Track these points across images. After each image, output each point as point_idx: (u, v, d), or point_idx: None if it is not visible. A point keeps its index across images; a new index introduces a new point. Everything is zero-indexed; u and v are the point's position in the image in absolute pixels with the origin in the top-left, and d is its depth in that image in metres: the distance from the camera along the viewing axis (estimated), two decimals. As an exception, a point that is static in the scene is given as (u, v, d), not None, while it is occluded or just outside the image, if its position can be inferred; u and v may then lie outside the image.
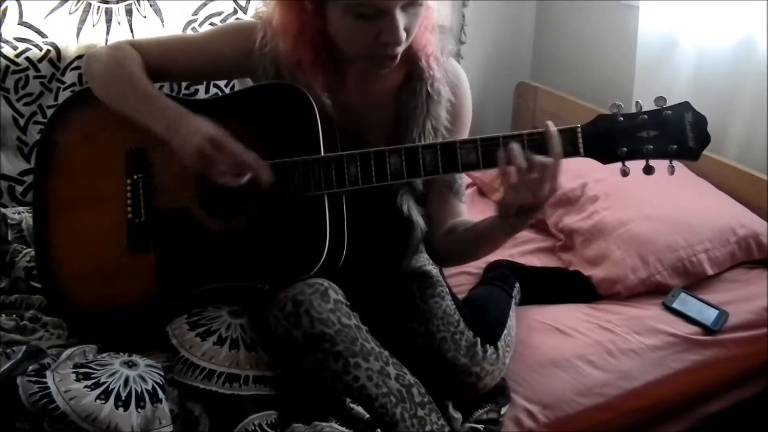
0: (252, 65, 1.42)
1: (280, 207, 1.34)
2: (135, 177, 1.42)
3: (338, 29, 1.30)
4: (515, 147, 1.22)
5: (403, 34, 1.26)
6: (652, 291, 1.83)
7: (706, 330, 1.72)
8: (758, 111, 2.10)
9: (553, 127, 1.24)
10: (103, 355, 1.33)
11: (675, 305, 1.77)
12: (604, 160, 1.27)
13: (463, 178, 1.52)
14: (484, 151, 1.27)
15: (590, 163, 1.27)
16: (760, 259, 1.94)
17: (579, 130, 1.25)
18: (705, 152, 2.01)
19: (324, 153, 1.33)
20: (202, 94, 2.13)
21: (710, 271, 1.88)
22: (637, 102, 1.26)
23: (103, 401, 1.19)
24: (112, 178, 1.43)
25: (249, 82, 1.49)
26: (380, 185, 1.31)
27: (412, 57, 1.41)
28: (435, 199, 1.51)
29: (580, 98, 2.51)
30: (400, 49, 1.30)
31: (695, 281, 1.86)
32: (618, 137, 1.25)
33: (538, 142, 1.24)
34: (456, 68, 1.48)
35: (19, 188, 2.03)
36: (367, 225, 1.44)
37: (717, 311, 1.75)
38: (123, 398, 1.20)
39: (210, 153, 1.28)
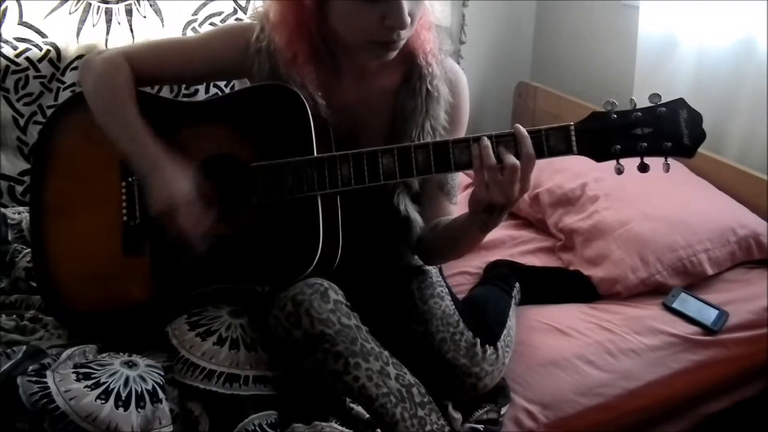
0: (247, 66, 1.42)
1: (273, 208, 1.34)
2: (130, 179, 1.42)
3: (342, 15, 1.30)
4: (486, 144, 1.23)
5: (408, 18, 1.26)
6: (652, 291, 1.83)
7: (706, 330, 1.71)
8: (758, 111, 2.10)
9: (522, 129, 1.24)
10: (103, 355, 1.33)
11: (675, 305, 1.77)
12: (598, 158, 1.26)
13: (456, 180, 1.52)
14: None
15: (590, 163, 1.27)
16: (760, 259, 1.94)
17: (572, 127, 1.25)
18: (705, 152, 2.04)
19: (317, 154, 1.33)
20: (202, 94, 2.13)
21: (710, 271, 1.87)
22: (631, 99, 1.25)
23: (103, 401, 1.19)
24: (108, 180, 1.43)
25: (248, 83, 1.49)
26: (374, 185, 1.31)
27: (410, 55, 1.41)
28: (426, 199, 1.51)
29: (580, 98, 2.51)
30: (404, 34, 1.30)
31: (695, 281, 1.86)
32: (611, 135, 1.25)
33: (510, 144, 1.24)
34: (454, 67, 1.48)
35: (19, 188, 2.03)
36: (365, 224, 1.44)
37: (717, 311, 1.75)
38: (123, 398, 1.20)
39: (166, 216, 1.32)
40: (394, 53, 1.33)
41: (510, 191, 1.22)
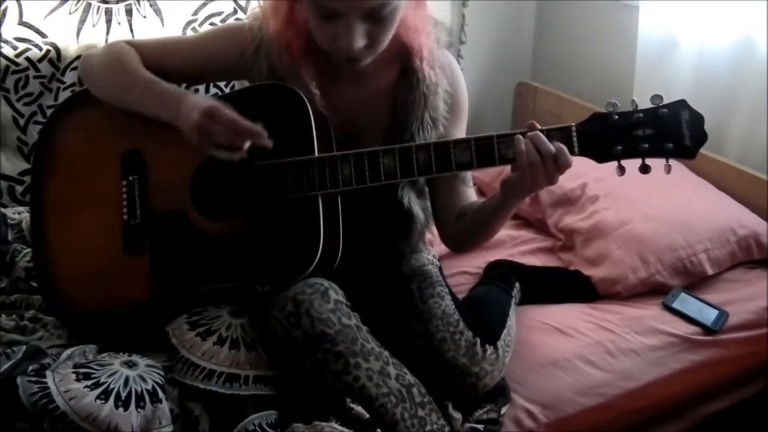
0: (245, 66, 1.42)
1: (274, 208, 1.34)
2: (130, 179, 1.42)
3: (309, 23, 1.31)
4: (542, 136, 1.23)
5: (359, 42, 1.25)
6: (652, 291, 1.83)
7: (706, 330, 1.72)
8: (758, 111, 2.10)
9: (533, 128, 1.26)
10: (103, 355, 1.33)
11: (675, 305, 1.77)
12: (600, 159, 1.26)
13: None
14: (478, 151, 1.27)
15: (590, 162, 1.27)
16: (760, 259, 1.94)
17: (574, 128, 1.25)
18: (705, 152, 2.03)
19: (318, 153, 1.33)
20: (202, 94, 2.13)
21: (710, 271, 1.88)
22: (633, 100, 1.25)
23: (103, 401, 1.19)
24: (108, 179, 1.43)
25: (247, 84, 1.49)
26: (375, 185, 1.31)
27: (406, 54, 1.41)
28: (444, 190, 1.51)
29: (580, 98, 2.51)
30: (365, 57, 1.30)
31: (695, 281, 1.86)
32: (613, 136, 1.25)
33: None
34: (449, 58, 1.48)
35: (19, 188, 2.03)
36: (368, 220, 1.44)
37: (717, 311, 1.75)
38: (123, 398, 1.20)
39: (207, 126, 1.28)
40: (359, 65, 1.33)
41: (553, 179, 1.24)
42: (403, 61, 1.42)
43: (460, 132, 1.50)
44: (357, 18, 1.23)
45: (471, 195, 1.53)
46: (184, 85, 2.05)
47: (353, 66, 1.33)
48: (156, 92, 1.37)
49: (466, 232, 1.49)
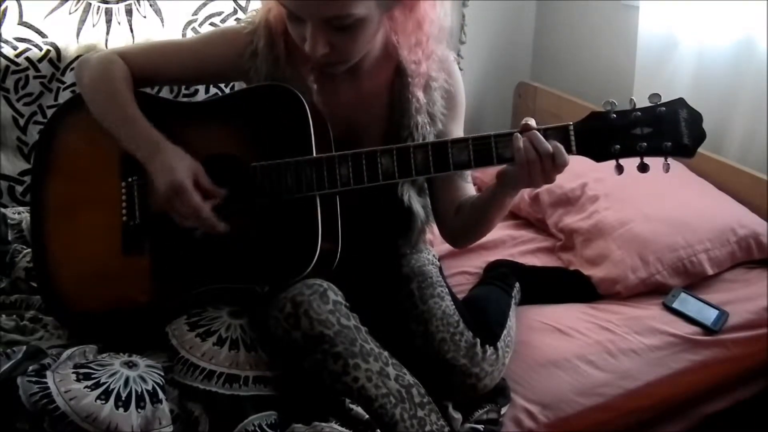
0: (244, 67, 1.42)
1: (273, 208, 1.34)
2: (130, 180, 1.42)
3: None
4: (539, 135, 1.24)
5: (320, 49, 1.25)
6: (652, 291, 1.83)
7: (706, 330, 1.72)
8: (758, 111, 2.10)
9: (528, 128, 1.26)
10: (104, 355, 1.34)
11: (675, 305, 1.77)
12: (598, 157, 1.26)
13: None
14: (476, 151, 1.28)
15: (590, 162, 1.27)
16: (760, 259, 1.94)
17: (571, 127, 1.25)
18: (705, 152, 2.03)
19: (316, 153, 1.33)
20: (202, 94, 2.13)
21: (710, 271, 1.88)
22: (631, 99, 1.25)
23: (103, 401, 1.19)
24: (108, 180, 1.43)
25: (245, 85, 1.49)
26: (373, 185, 1.31)
27: (398, 56, 1.41)
28: (443, 185, 1.51)
29: (580, 98, 2.51)
30: (336, 63, 1.31)
31: (695, 281, 1.86)
32: (611, 135, 1.25)
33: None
34: (445, 52, 1.48)
35: (19, 188, 2.03)
36: (367, 218, 1.44)
37: (717, 311, 1.75)
38: (123, 398, 1.20)
39: (172, 198, 1.30)
40: (336, 69, 1.34)
41: (550, 178, 1.25)
42: (399, 58, 1.42)
43: (458, 127, 1.51)
44: (318, 25, 1.23)
45: (470, 190, 1.53)
46: (183, 86, 2.08)
47: (329, 70, 1.34)
48: (133, 130, 1.36)
49: (464, 225, 1.50)
